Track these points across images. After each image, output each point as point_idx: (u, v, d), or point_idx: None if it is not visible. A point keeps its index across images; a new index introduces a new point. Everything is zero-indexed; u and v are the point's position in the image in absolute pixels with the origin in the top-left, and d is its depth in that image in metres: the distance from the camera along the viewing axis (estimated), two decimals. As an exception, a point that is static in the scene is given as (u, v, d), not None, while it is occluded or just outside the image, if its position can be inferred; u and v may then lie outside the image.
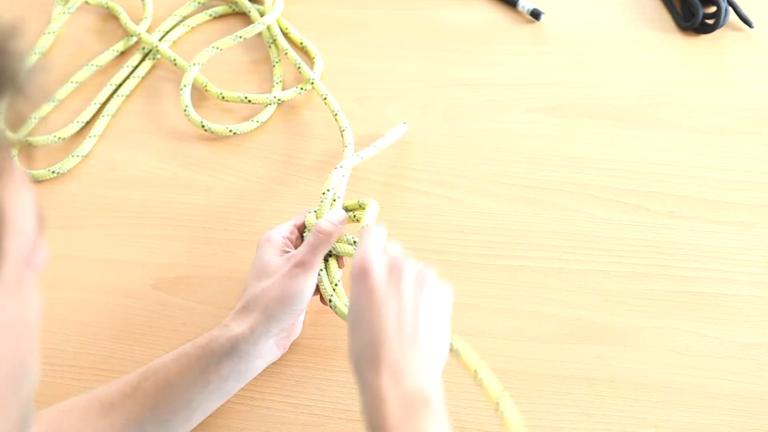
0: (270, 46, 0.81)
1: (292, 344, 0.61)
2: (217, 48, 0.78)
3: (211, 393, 0.54)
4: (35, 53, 0.83)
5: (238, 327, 0.54)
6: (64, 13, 0.85)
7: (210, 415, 0.58)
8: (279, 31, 0.81)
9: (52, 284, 0.67)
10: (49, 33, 0.84)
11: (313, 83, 0.76)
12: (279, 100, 0.76)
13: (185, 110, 0.75)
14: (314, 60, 0.79)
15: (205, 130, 0.74)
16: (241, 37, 0.78)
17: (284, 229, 0.59)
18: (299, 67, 0.77)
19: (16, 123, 0.28)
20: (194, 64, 0.78)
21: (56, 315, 0.65)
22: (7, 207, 0.28)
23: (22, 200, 0.29)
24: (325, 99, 0.74)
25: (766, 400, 0.56)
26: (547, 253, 0.65)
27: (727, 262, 0.63)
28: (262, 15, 0.83)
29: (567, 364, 0.59)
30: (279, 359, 0.61)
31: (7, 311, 0.29)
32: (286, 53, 0.79)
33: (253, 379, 0.60)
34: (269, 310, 0.54)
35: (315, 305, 0.63)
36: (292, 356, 0.61)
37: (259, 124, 0.75)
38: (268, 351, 0.56)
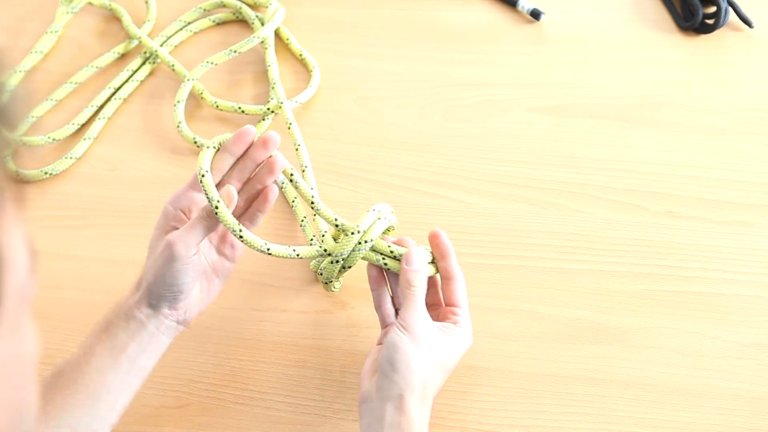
0: (267, 62, 0.80)
1: (292, 344, 0.62)
2: (212, 63, 0.78)
3: (127, 373, 0.52)
4: (36, 52, 0.83)
5: (131, 299, 0.53)
6: (67, 12, 0.85)
7: (209, 415, 0.58)
8: (273, 42, 0.80)
9: (52, 284, 0.67)
10: (51, 32, 0.84)
11: (281, 106, 0.74)
12: (272, 112, 0.75)
13: (178, 126, 0.75)
14: (312, 73, 0.79)
15: (198, 146, 0.74)
16: (235, 51, 0.78)
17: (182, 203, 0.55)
18: (274, 85, 0.76)
19: (9, 156, 0.29)
20: (188, 80, 0.78)
21: (56, 315, 0.65)
22: (5, 247, 0.27)
23: (17, 236, 0.29)
24: (289, 126, 0.72)
25: (766, 400, 0.56)
26: (547, 253, 0.65)
27: (727, 262, 0.63)
28: (263, 23, 0.83)
29: (567, 364, 0.59)
30: (279, 359, 0.61)
31: (7, 351, 0.29)
32: (269, 68, 0.78)
33: (253, 379, 0.60)
34: (150, 287, 0.53)
35: (315, 304, 0.63)
36: (292, 356, 0.61)
37: None
38: (165, 327, 0.54)
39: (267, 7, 0.83)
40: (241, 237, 0.52)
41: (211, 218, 0.52)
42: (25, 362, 0.31)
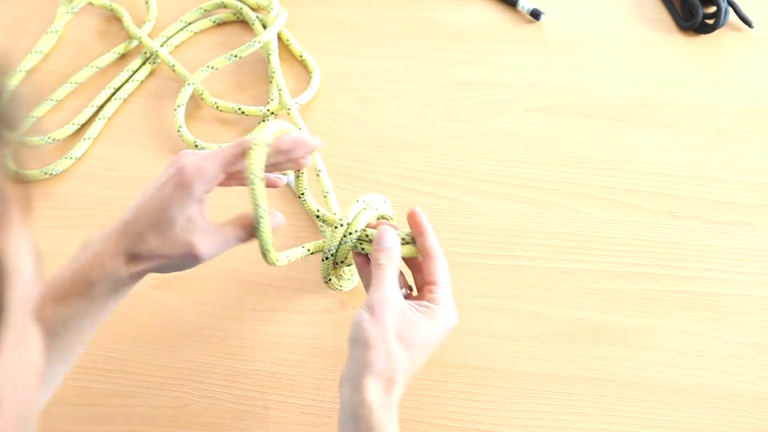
0: (269, 62, 0.79)
1: (292, 344, 0.62)
2: (212, 67, 0.78)
3: (102, 321, 0.51)
4: (37, 52, 0.83)
5: (122, 271, 0.49)
6: (67, 12, 0.85)
7: (209, 415, 0.59)
8: (276, 47, 0.80)
9: (52, 284, 0.67)
10: (51, 32, 0.84)
11: (281, 91, 0.75)
12: (272, 113, 0.75)
13: (179, 131, 0.75)
14: (312, 74, 0.78)
15: (199, 149, 0.74)
16: (236, 56, 0.77)
17: (212, 173, 0.50)
18: (280, 90, 0.76)
19: (9, 162, 0.28)
20: (189, 84, 0.77)
21: (56, 315, 0.65)
22: (9, 258, 0.27)
23: (22, 245, 0.28)
24: (288, 110, 0.75)
25: (765, 400, 0.56)
26: (547, 253, 0.65)
27: (727, 262, 0.63)
28: (264, 25, 0.83)
29: (567, 364, 0.59)
30: (279, 359, 0.61)
31: (12, 362, 0.28)
32: (274, 73, 0.78)
33: (253, 379, 0.60)
34: (162, 268, 0.50)
35: (315, 304, 0.63)
36: (292, 356, 0.61)
37: None
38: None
39: (270, 10, 0.82)
40: (266, 254, 0.51)
41: (247, 232, 0.50)
42: (31, 369, 0.31)
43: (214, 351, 0.62)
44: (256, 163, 0.48)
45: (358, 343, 0.48)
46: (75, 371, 0.61)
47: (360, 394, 0.47)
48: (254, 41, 0.78)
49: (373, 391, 0.47)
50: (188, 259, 0.50)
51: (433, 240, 0.54)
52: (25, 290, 0.28)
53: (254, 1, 0.85)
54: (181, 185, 0.48)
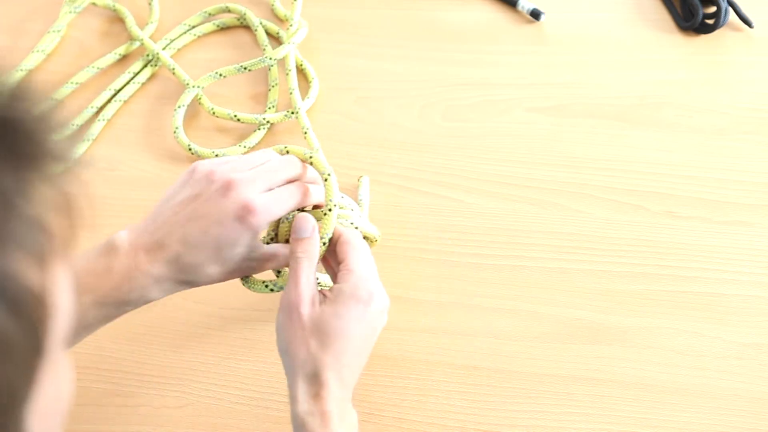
0: (269, 69, 0.79)
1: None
2: (221, 75, 0.77)
3: None
4: (39, 51, 0.83)
5: (165, 293, 0.50)
6: (70, 12, 0.85)
7: (209, 415, 0.59)
8: (294, 64, 0.78)
9: (52, 284, 0.67)
10: (53, 32, 0.84)
11: (297, 113, 0.74)
12: (267, 122, 0.75)
13: (175, 132, 0.75)
14: (311, 84, 0.78)
15: (192, 153, 0.73)
16: (246, 68, 0.76)
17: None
18: (291, 93, 0.75)
19: (60, 198, 0.27)
20: (193, 87, 0.77)
21: (56, 315, 0.65)
22: (53, 295, 0.27)
23: (63, 280, 0.28)
24: (305, 133, 0.72)
25: (765, 400, 0.56)
26: (547, 253, 0.65)
27: (727, 262, 0.63)
28: (267, 31, 0.83)
29: (567, 364, 0.59)
30: (279, 359, 0.60)
31: (47, 395, 0.28)
32: (288, 73, 0.77)
33: (253, 379, 0.60)
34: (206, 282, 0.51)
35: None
36: (292, 356, 0.61)
37: (245, 150, 0.73)
38: None
39: (290, 24, 0.80)
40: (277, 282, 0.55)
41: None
42: (62, 399, 0.31)
43: (214, 351, 0.62)
44: (329, 229, 0.52)
45: (283, 352, 0.47)
46: (75, 371, 0.61)
47: (292, 406, 0.45)
48: (266, 57, 0.76)
49: (301, 401, 0.45)
50: (235, 276, 0.52)
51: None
52: (64, 324, 0.28)
53: (283, 13, 0.84)
54: (250, 229, 0.48)
